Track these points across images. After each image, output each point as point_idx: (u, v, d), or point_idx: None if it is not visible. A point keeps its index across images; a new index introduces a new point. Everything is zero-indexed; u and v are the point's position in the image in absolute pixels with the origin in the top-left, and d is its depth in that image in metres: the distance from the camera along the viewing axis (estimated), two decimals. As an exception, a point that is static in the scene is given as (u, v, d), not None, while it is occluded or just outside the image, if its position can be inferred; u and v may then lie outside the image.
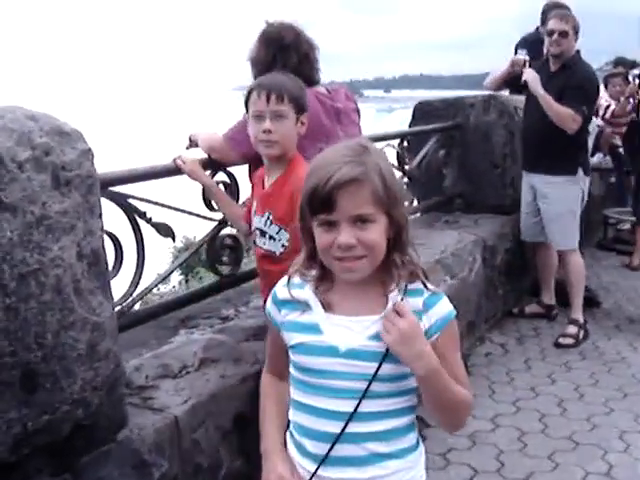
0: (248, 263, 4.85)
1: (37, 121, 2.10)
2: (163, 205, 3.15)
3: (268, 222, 2.84)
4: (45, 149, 2.06)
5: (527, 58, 5.88)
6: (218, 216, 3.49)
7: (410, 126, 6.36)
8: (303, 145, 2.91)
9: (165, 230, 3.12)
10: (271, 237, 2.84)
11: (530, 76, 5.48)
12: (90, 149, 2.21)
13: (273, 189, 2.85)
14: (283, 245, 2.80)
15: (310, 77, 3.30)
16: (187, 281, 13.36)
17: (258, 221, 2.89)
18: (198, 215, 3.42)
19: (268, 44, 3.26)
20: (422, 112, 6.41)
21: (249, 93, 2.78)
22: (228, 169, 3.48)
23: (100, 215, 2.27)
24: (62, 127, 2.15)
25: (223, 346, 3.06)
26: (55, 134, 2.11)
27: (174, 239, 3.14)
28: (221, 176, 3.46)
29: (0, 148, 1.94)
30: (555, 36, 5.38)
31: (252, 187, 3.08)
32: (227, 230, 3.49)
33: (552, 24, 5.45)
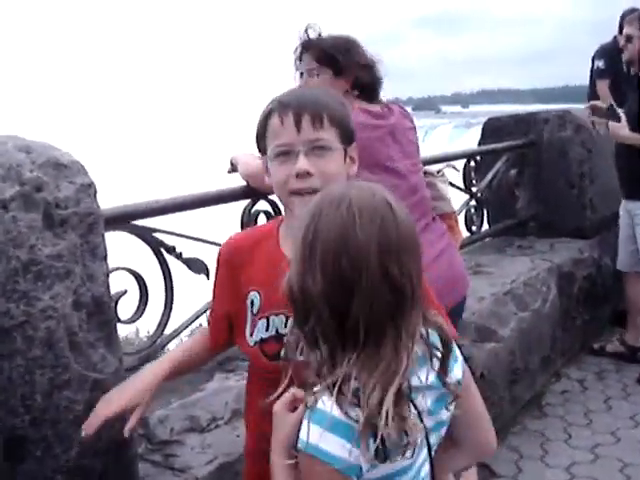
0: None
1: (30, 153, 1.87)
2: (195, 239, 2.88)
3: None
4: (36, 184, 1.83)
5: (609, 104, 5.46)
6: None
7: (480, 144, 6.01)
8: None
9: (197, 266, 2.84)
10: None
11: (613, 127, 5.09)
12: (92, 183, 1.96)
13: None
14: None
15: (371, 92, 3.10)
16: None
17: (280, 321, 1.82)
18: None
19: None
20: (492, 129, 6.05)
21: (265, 119, 1.83)
22: (271, 197, 3.21)
23: (105, 257, 2.01)
24: (59, 159, 1.91)
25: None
26: (50, 167, 1.87)
27: (208, 276, 2.85)
28: (262, 205, 3.19)
29: (-19, 185, 1.71)
30: (622, 41, 5.24)
31: (241, 268, 1.93)
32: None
33: (624, 30, 5.31)
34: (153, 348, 2.74)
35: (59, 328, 1.85)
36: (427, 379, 1.49)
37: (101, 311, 1.98)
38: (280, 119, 1.80)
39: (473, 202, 5.24)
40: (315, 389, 1.44)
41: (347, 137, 1.87)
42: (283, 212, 2.07)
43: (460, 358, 1.64)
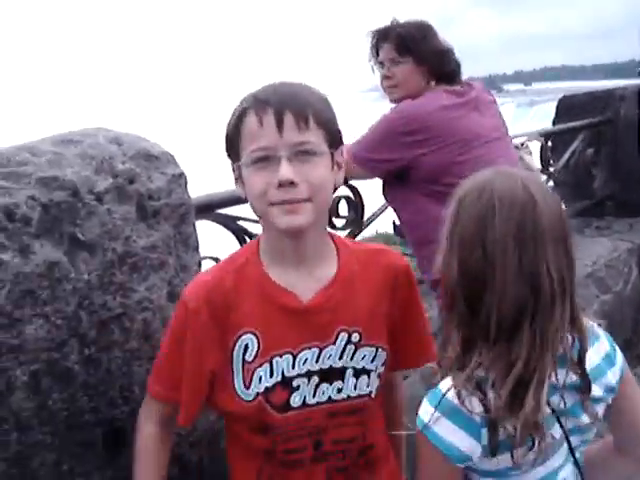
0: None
1: (121, 144, 1.86)
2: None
3: (349, 348, 1.62)
4: (129, 176, 1.82)
5: None
6: (341, 235, 3.20)
7: (554, 123, 5.88)
8: (455, 171, 2.62)
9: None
10: (346, 371, 1.63)
11: None
12: (182, 173, 1.95)
13: (334, 292, 1.63)
14: (379, 374, 1.67)
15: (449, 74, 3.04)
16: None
17: (287, 362, 1.60)
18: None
19: None
20: (567, 107, 5.92)
21: (239, 118, 1.55)
22: (351, 182, 3.18)
23: (197, 248, 2.01)
24: (149, 150, 1.90)
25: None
26: (141, 158, 1.86)
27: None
28: (343, 190, 3.16)
29: (76, 179, 1.71)
30: None
31: (226, 311, 1.62)
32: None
33: None
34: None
35: (155, 319, 1.85)
36: (565, 380, 1.43)
37: (194, 302, 1.97)
38: (258, 119, 1.51)
39: (551, 183, 5.13)
40: (441, 373, 1.47)
41: (334, 140, 1.60)
42: (261, 230, 1.70)
43: (619, 363, 1.56)
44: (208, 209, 2.52)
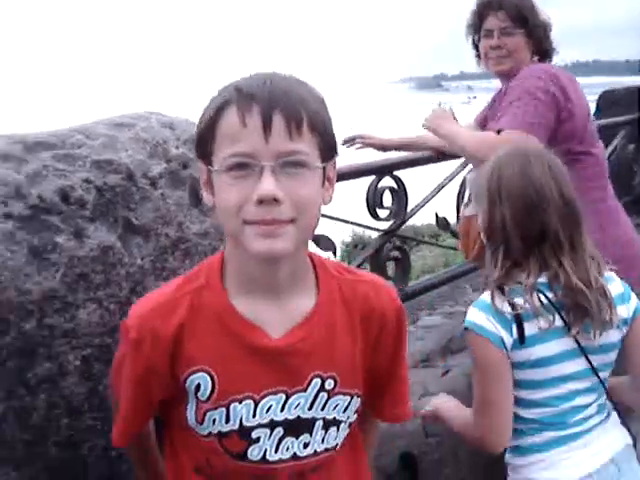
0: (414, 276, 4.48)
1: (174, 129, 1.84)
2: (325, 216, 2.82)
3: (321, 396, 1.42)
4: (182, 161, 1.80)
5: None
6: (383, 226, 3.17)
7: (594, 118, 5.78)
8: (587, 187, 2.64)
9: (325, 243, 2.79)
10: (315, 422, 1.43)
11: None
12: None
13: (310, 330, 1.39)
14: (350, 424, 1.50)
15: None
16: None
17: (248, 410, 1.39)
18: (361, 225, 3.10)
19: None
20: (607, 102, 5.82)
21: (216, 113, 1.29)
22: (395, 173, 3.15)
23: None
24: (202, 135, 1.88)
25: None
26: (193, 143, 1.83)
27: (335, 253, 2.80)
28: (387, 181, 3.13)
29: (130, 162, 1.69)
30: None
31: (175, 344, 1.39)
32: (395, 240, 3.15)
33: None
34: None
35: (206, 307, 1.82)
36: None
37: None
38: (240, 117, 1.24)
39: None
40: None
41: (329, 150, 1.34)
42: (226, 247, 1.43)
43: (633, 303, 1.96)
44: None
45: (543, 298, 1.83)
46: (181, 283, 1.41)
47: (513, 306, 1.82)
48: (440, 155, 3.24)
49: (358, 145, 3.32)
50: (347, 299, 1.43)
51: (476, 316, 1.86)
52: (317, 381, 1.39)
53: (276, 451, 1.40)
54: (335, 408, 1.43)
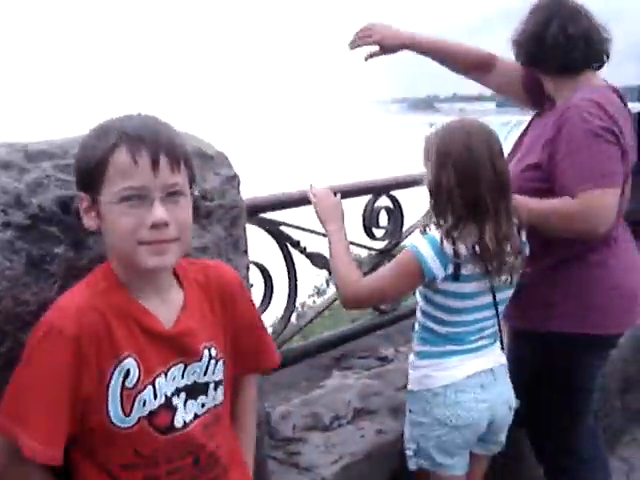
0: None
1: (177, 142, 1.83)
2: (319, 233, 2.82)
3: (212, 363, 1.68)
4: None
5: None
6: (379, 245, 3.16)
7: None
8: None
9: (321, 261, 2.78)
10: (209, 385, 1.69)
11: None
12: (236, 175, 1.93)
13: (190, 314, 1.65)
14: (221, 383, 1.73)
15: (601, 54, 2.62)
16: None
17: (167, 383, 1.60)
18: (358, 245, 3.08)
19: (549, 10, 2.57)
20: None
21: (107, 153, 1.49)
22: (392, 193, 3.15)
23: (245, 251, 1.98)
24: (205, 150, 1.88)
25: (381, 395, 2.72)
26: (196, 158, 1.82)
27: (329, 272, 2.79)
28: (384, 201, 3.12)
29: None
30: None
31: (99, 340, 1.51)
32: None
33: None
34: (278, 341, 2.69)
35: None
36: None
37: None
38: (131, 156, 1.47)
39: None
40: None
41: (193, 179, 1.64)
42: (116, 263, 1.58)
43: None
44: (252, 212, 2.47)
45: (477, 248, 2.22)
46: (86, 287, 1.56)
47: (455, 252, 2.19)
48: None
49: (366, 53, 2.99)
50: (201, 283, 1.70)
51: (423, 246, 2.23)
52: (206, 352, 1.65)
53: (186, 413, 1.63)
54: (219, 371, 1.69)
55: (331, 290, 9.81)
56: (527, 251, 2.41)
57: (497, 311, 2.36)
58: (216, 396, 1.69)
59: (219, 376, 1.69)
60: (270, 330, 2.66)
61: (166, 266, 1.56)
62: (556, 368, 2.61)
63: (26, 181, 1.54)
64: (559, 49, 2.51)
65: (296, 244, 2.72)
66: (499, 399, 2.36)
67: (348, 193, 2.91)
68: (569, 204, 2.41)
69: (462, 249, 2.20)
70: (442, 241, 2.21)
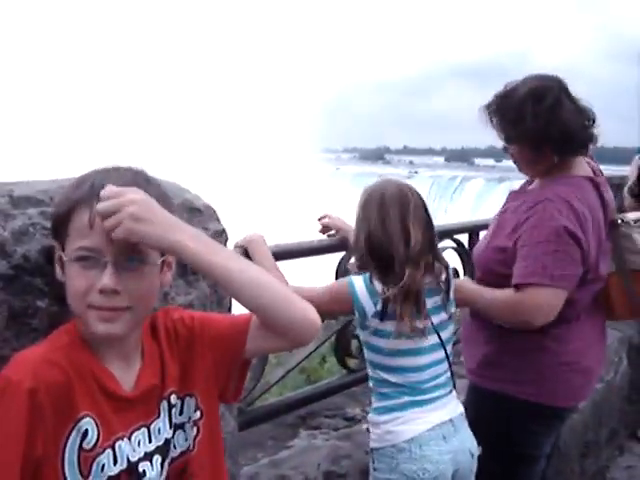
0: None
1: (163, 194, 1.76)
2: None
3: (174, 410, 1.58)
4: (171, 229, 1.71)
5: None
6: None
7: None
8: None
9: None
10: (181, 427, 1.60)
11: None
12: (224, 230, 1.87)
13: (148, 375, 1.55)
14: (194, 422, 1.63)
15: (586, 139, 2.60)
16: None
17: (131, 447, 1.49)
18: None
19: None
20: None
21: (69, 211, 1.42)
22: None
23: (230, 309, 1.91)
24: (193, 202, 1.81)
25: (350, 458, 2.64)
26: (184, 211, 1.76)
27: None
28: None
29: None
30: None
31: (59, 398, 1.40)
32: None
33: None
34: (245, 401, 2.60)
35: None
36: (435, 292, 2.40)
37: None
38: (88, 217, 1.38)
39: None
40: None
41: None
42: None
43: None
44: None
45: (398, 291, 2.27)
46: (47, 342, 1.46)
47: (383, 290, 2.26)
48: None
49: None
50: (151, 332, 1.58)
51: (357, 280, 2.32)
52: (164, 403, 1.54)
53: (161, 475, 1.52)
54: (181, 414, 1.58)
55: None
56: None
57: (446, 352, 2.39)
58: (177, 443, 1.56)
59: (181, 419, 1.57)
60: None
61: (117, 334, 1.43)
62: (497, 430, 2.61)
63: (11, 228, 1.46)
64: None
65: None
66: (461, 448, 2.37)
67: (322, 249, 2.87)
68: (510, 296, 2.47)
69: (389, 290, 2.26)
70: (371, 279, 2.30)
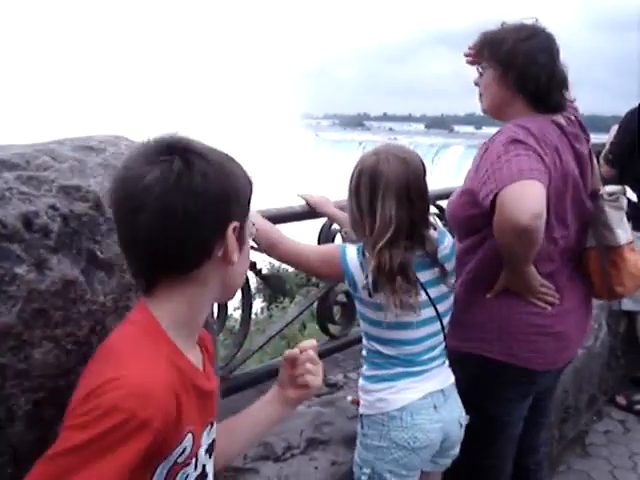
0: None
1: (145, 157, 1.71)
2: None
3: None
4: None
5: None
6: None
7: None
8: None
9: (277, 284, 2.68)
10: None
11: None
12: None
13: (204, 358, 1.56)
14: None
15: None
16: (269, 309, 12.74)
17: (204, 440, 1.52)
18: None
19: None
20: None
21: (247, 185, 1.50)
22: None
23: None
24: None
25: (333, 425, 2.63)
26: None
27: (285, 295, 2.72)
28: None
29: (99, 190, 1.56)
30: None
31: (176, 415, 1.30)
32: (341, 286, 3.04)
33: None
34: (228, 368, 2.58)
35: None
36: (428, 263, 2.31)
37: (207, 326, 1.82)
38: None
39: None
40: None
41: None
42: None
43: (453, 260, 2.42)
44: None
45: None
46: (152, 353, 1.32)
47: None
48: None
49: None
50: None
51: (351, 251, 2.27)
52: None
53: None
54: None
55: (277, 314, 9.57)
56: (449, 265, 2.37)
57: (442, 324, 2.36)
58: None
59: None
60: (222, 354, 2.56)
61: None
62: (467, 392, 2.51)
63: (-14, 193, 1.41)
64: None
65: (252, 266, 2.61)
66: (451, 418, 2.37)
67: (304, 215, 2.83)
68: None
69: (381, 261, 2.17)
70: (364, 251, 2.23)
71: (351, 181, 2.27)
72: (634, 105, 4.86)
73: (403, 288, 2.16)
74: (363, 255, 2.23)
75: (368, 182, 2.21)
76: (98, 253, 1.54)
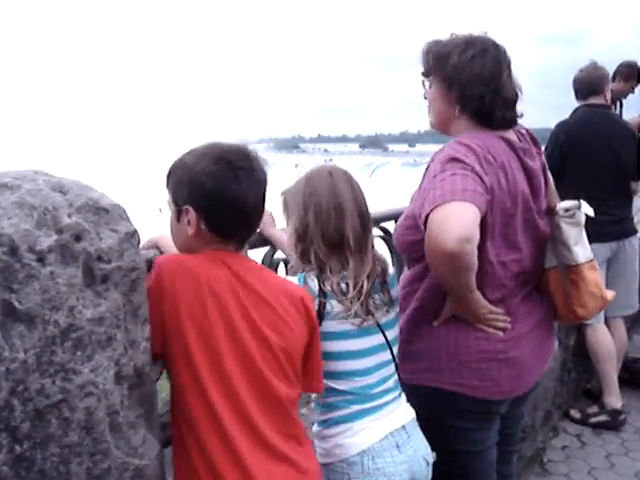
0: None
1: (66, 193, 1.54)
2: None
3: None
4: (75, 232, 1.50)
5: None
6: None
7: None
8: None
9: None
10: None
11: None
12: (135, 231, 1.65)
13: None
14: None
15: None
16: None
17: None
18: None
19: None
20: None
21: None
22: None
23: (146, 320, 1.69)
24: (98, 202, 1.59)
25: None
26: (89, 211, 1.55)
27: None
28: (282, 253, 2.90)
29: (14, 233, 1.39)
30: None
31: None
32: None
33: None
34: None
35: (100, 407, 1.52)
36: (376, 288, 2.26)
37: (142, 383, 1.66)
38: None
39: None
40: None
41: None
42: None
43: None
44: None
45: (343, 286, 2.18)
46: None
47: (320, 289, 2.15)
48: None
49: None
50: None
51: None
52: None
53: None
54: None
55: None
56: (394, 292, 2.35)
57: (392, 353, 2.28)
58: None
59: None
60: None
61: None
62: (428, 428, 2.35)
63: None
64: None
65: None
66: (416, 456, 2.23)
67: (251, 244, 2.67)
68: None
69: (327, 287, 2.15)
70: (306, 279, 2.17)
71: (311, 199, 2.23)
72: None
73: (351, 296, 2.16)
74: (305, 281, 2.17)
75: (333, 196, 2.22)
76: (16, 304, 1.37)
